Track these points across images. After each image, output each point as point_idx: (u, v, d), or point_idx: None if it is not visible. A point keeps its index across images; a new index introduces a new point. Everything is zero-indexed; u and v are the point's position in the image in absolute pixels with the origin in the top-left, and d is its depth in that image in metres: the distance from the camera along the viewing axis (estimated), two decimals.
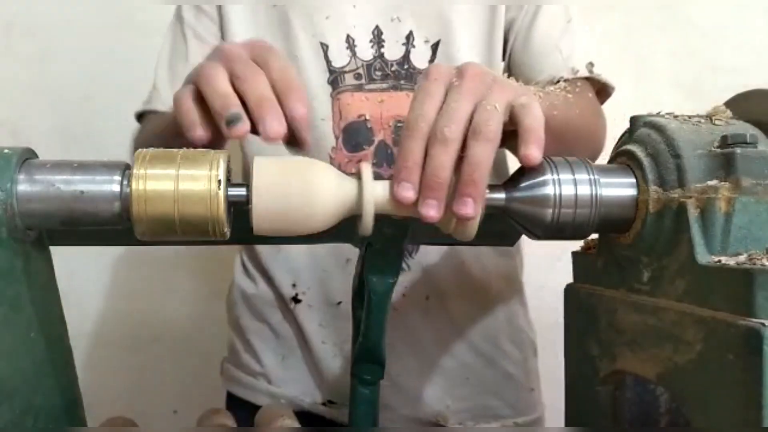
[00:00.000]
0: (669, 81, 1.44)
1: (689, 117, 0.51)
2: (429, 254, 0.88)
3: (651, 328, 0.48)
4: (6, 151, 0.46)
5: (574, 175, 0.50)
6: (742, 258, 0.43)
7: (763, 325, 0.38)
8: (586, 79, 0.82)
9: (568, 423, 0.62)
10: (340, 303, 0.88)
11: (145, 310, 1.43)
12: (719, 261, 0.43)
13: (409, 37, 0.84)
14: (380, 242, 0.60)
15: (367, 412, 0.65)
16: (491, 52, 0.86)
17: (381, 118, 0.83)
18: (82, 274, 1.36)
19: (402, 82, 0.84)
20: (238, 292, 0.96)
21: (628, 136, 0.54)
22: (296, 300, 0.90)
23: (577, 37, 0.86)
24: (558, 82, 0.80)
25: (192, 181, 0.46)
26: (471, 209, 0.46)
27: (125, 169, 0.47)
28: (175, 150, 0.48)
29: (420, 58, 0.85)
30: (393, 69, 0.84)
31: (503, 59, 0.88)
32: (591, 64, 0.82)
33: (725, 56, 1.42)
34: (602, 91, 0.84)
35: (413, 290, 0.88)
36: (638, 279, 0.51)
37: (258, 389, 0.94)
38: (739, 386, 0.39)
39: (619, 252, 0.53)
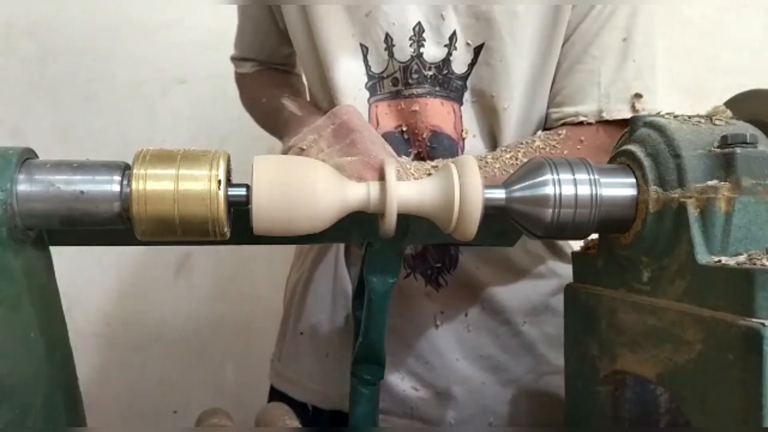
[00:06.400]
0: (668, 81, 1.43)
1: (689, 117, 0.51)
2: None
3: (651, 328, 0.48)
4: (6, 151, 0.46)
5: (574, 175, 0.50)
6: (742, 258, 0.43)
7: (763, 325, 0.38)
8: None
9: (568, 423, 0.62)
10: None
11: (145, 310, 1.43)
12: (719, 261, 0.43)
13: (452, 38, 0.76)
14: (380, 242, 0.60)
15: (367, 412, 0.65)
16: (545, 63, 0.77)
17: (416, 128, 0.78)
18: (82, 274, 1.36)
19: (438, 89, 0.77)
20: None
21: (628, 136, 0.53)
22: None
23: (635, 60, 0.74)
24: (564, 124, 0.76)
25: (192, 181, 0.46)
26: None
27: (125, 169, 0.48)
28: (175, 150, 0.48)
29: (460, 62, 0.77)
30: (431, 73, 0.77)
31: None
32: (637, 96, 0.74)
33: (724, 56, 1.42)
34: None
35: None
36: (638, 279, 0.51)
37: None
38: (739, 386, 0.39)
39: (619, 252, 0.53)
